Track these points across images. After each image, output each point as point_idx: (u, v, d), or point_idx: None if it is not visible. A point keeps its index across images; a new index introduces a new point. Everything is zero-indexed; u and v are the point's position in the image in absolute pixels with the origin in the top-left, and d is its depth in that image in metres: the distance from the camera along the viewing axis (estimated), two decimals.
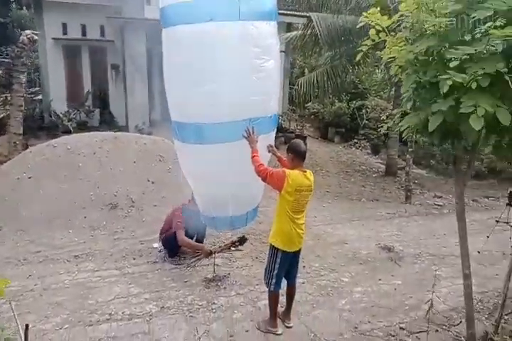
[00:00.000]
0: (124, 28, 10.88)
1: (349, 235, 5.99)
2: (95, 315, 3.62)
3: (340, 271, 4.78)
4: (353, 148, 13.83)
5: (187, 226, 4.54)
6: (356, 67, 10.57)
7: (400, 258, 5.25)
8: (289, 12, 12.63)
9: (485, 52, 1.90)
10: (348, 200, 8.20)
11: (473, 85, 1.83)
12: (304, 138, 12.81)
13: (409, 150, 8.49)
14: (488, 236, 5.19)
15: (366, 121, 13.92)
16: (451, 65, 1.86)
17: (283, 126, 13.56)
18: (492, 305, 4.23)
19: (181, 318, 3.64)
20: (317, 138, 14.87)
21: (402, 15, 2.35)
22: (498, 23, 1.79)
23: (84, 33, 11.64)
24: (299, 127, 14.11)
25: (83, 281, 4.18)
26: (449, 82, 1.84)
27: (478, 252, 5.24)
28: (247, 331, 3.55)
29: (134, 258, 4.75)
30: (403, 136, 2.60)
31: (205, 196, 4.04)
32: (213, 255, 4.39)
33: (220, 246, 4.61)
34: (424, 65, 2.13)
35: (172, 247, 4.72)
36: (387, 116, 3.03)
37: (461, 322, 3.82)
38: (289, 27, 13.35)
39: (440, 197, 8.74)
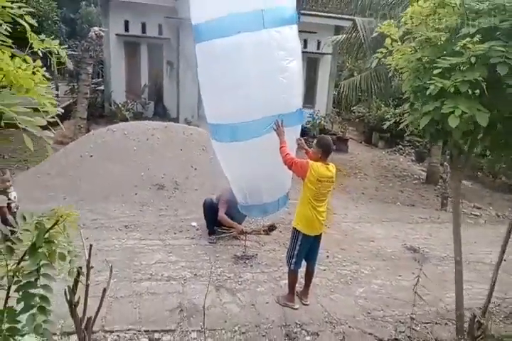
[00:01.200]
0: (179, 28, 11.58)
1: (377, 234, 6.20)
2: (139, 274, 4.18)
3: (362, 264, 5.03)
4: (397, 154, 13.76)
5: (230, 206, 5.01)
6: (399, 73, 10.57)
7: (425, 259, 5.40)
8: (335, 15, 12.83)
9: (472, 62, 2.16)
10: (382, 203, 8.33)
11: (452, 90, 2.10)
12: (345, 141, 12.98)
13: (448, 157, 8.47)
14: None
15: (412, 128, 13.79)
16: (435, 72, 2.16)
17: (325, 127, 13.78)
18: (509, 310, 4.33)
19: (211, 285, 4.10)
20: (361, 142, 14.92)
21: (407, 28, 2.65)
22: (475, 39, 2.06)
23: (143, 31, 12.49)
24: (341, 130, 14.23)
25: (131, 247, 4.76)
26: (433, 87, 2.12)
27: (505, 260, 5.28)
28: (267, 303, 3.94)
29: (175, 233, 5.29)
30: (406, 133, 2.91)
31: (241, 187, 4.49)
32: (244, 234, 4.82)
33: (251, 229, 5.04)
34: (419, 72, 2.43)
35: (211, 219, 5.19)
36: (390, 115, 3.31)
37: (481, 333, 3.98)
38: (337, 30, 13.52)
39: (479, 208, 8.64)
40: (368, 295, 4.29)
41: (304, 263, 3.93)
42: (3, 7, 1.37)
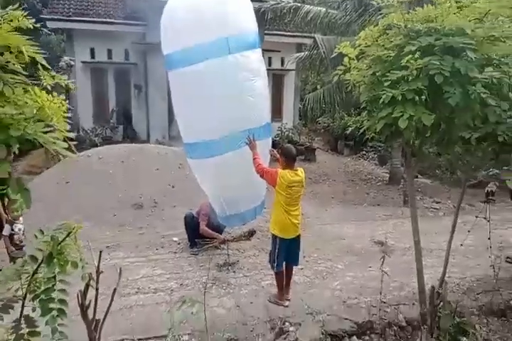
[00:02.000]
0: (146, 52, 11.99)
1: (347, 233, 6.68)
2: (126, 289, 4.42)
3: (336, 260, 5.46)
4: (361, 160, 14.47)
5: (210, 218, 5.37)
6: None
7: (391, 251, 5.87)
8: (297, 34, 13.65)
9: (415, 74, 2.67)
10: (350, 205, 8.86)
11: (399, 97, 2.60)
12: (312, 151, 13.60)
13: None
14: (469, 231, 5.82)
15: (373, 134, 14.58)
16: (385, 84, 2.65)
17: (293, 139, 14.39)
18: (466, 288, 4.85)
19: (197, 293, 4.38)
20: (327, 151, 15.60)
21: (361, 49, 3.15)
22: (415, 56, 2.58)
23: (110, 57, 12.78)
24: (308, 140, 14.87)
25: (115, 265, 4.98)
26: (385, 96, 2.61)
27: (461, 245, 5.86)
28: (251, 303, 4.27)
29: (157, 249, 5.56)
30: (366, 136, 3.39)
31: (219, 198, 4.83)
32: (226, 243, 5.17)
33: (232, 236, 5.39)
34: (373, 84, 2.92)
35: (192, 233, 5.51)
36: (352, 122, 3.80)
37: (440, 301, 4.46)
38: (299, 47, 14.36)
39: (439, 202, 9.31)
40: (343, 287, 4.70)
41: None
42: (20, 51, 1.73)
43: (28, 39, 1.88)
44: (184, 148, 4.69)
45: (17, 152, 1.76)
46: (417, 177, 12.65)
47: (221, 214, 4.95)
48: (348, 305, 4.32)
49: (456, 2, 2.81)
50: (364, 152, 14.83)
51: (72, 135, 1.77)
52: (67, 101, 2.10)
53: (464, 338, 3.52)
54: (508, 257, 5.74)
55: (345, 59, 3.40)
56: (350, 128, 3.77)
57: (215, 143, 4.26)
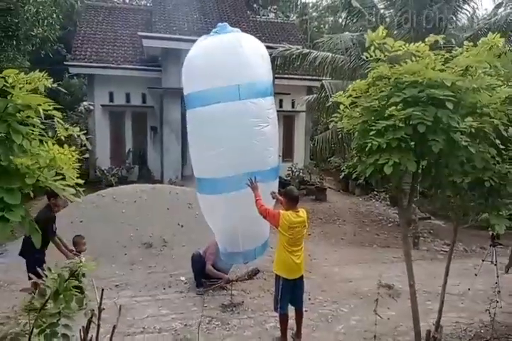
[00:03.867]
0: (162, 96, 12.69)
1: (354, 274, 6.62)
2: (132, 328, 4.46)
3: (341, 303, 5.41)
4: (373, 200, 14.43)
5: (216, 259, 5.44)
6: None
7: (398, 295, 5.82)
8: (306, 77, 14.28)
9: (400, 124, 2.88)
10: (359, 246, 8.81)
11: (384, 146, 2.79)
12: (323, 191, 13.70)
13: (415, 199, 9.20)
14: (476, 275, 5.75)
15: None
16: (371, 133, 2.86)
17: (304, 179, 14.60)
18: (474, 333, 4.72)
19: (201, 333, 4.39)
20: (339, 191, 15.66)
21: (352, 99, 3.41)
22: (398, 107, 2.81)
23: (128, 100, 13.53)
24: (319, 180, 15.01)
25: (123, 304, 5.01)
26: (370, 144, 2.81)
27: (469, 289, 5.76)
28: None
29: (164, 288, 5.62)
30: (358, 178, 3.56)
31: (221, 234, 5.00)
32: (231, 283, 5.21)
33: (237, 276, 5.44)
34: (364, 132, 3.13)
35: (199, 272, 5.58)
36: (345, 166, 3.98)
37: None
38: (309, 90, 14.97)
39: (449, 244, 9.15)
40: (347, 331, 4.64)
41: (291, 307, 4.28)
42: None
43: (55, 82, 2.17)
44: (196, 182, 4.96)
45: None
46: (430, 218, 12.54)
47: (224, 250, 5.05)
48: None
49: (442, 56, 3.07)
50: (376, 192, 14.84)
51: (81, 181, 1.99)
52: (85, 144, 2.38)
53: None
54: None
55: (341, 107, 3.66)
56: (342, 173, 3.93)
57: (220, 181, 4.51)
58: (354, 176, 3.49)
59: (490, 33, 3.16)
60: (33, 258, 4.64)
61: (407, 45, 3.01)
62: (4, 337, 2.04)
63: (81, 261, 4.33)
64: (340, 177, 5.35)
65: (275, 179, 4.90)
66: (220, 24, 4.75)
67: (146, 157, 13.74)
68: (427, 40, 3.09)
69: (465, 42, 3.19)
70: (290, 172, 14.00)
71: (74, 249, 5.04)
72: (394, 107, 2.80)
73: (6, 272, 6.03)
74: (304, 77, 14.32)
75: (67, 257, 4.87)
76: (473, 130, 2.70)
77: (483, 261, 5.71)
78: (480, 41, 3.06)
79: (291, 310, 4.29)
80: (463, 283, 6.16)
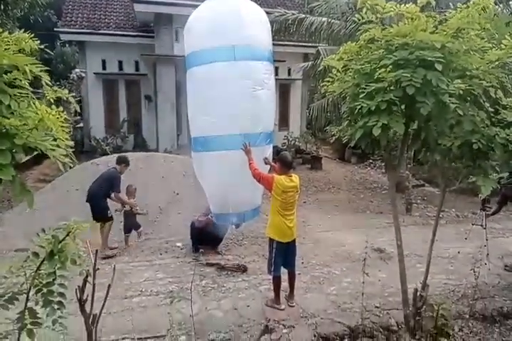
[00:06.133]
0: (155, 63, 12.39)
1: (347, 239, 6.78)
2: (129, 291, 4.62)
3: (334, 266, 5.58)
4: (368, 168, 14.52)
5: (209, 222, 5.53)
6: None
7: (389, 258, 5.99)
8: (301, 44, 13.90)
9: (390, 86, 2.85)
10: (353, 213, 8.96)
11: (373, 108, 2.77)
12: (319, 159, 13.75)
13: (408, 166, 9.27)
14: (465, 239, 5.91)
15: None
16: (361, 96, 2.83)
17: (300, 147, 14.59)
18: (461, 294, 4.92)
19: (196, 295, 4.55)
20: (335, 160, 15.71)
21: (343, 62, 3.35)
22: (387, 69, 2.76)
23: (121, 68, 13.26)
24: (314, 149, 15.01)
25: (119, 269, 5.15)
26: (360, 107, 2.79)
27: (458, 252, 5.93)
28: (248, 306, 4.41)
29: (161, 254, 5.76)
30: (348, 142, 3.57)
31: (211, 194, 5.02)
32: (220, 266, 5.33)
33: (227, 264, 5.41)
34: (355, 96, 3.10)
35: (196, 239, 5.80)
36: (336, 131, 3.98)
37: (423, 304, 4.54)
38: (305, 57, 14.62)
39: (442, 210, 9.31)
40: (339, 292, 4.82)
41: (284, 270, 4.41)
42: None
43: (43, 48, 2.14)
44: (192, 143, 4.98)
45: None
46: (423, 185, 12.67)
47: (213, 211, 5.12)
48: (343, 309, 4.44)
49: (434, 19, 2.99)
50: (371, 160, 14.89)
51: (71, 143, 1.99)
52: (79, 112, 2.37)
53: (445, 339, 3.60)
54: (506, 265, 5.77)
55: (333, 71, 3.60)
56: (333, 138, 3.92)
57: (212, 140, 4.59)
58: (345, 140, 3.49)
59: None
60: (101, 203, 5.92)
61: (398, 6, 2.92)
62: (2, 296, 2.11)
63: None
64: (331, 141, 5.33)
65: (270, 144, 4.91)
66: None
67: (141, 126, 13.64)
68: (418, 1, 3.00)
69: (458, 5, 3.10)
70: (286, 140, 13.95)
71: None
72: (384, 69, 2.75)
73: (5, 239, 6.14)
74: (299, 43, 13.94)
75: (131, 204, 6.17)
76: (461, 92, 2.67)
77: (473, 225, 5.84)
78: (471, 2, 2.97)
79: (284, 273, 4.43)
80: (454, 247, 6.33)
